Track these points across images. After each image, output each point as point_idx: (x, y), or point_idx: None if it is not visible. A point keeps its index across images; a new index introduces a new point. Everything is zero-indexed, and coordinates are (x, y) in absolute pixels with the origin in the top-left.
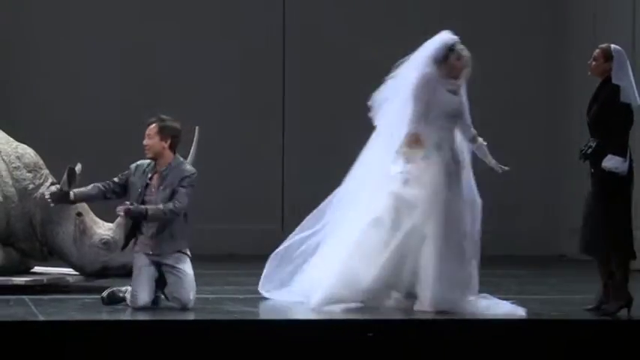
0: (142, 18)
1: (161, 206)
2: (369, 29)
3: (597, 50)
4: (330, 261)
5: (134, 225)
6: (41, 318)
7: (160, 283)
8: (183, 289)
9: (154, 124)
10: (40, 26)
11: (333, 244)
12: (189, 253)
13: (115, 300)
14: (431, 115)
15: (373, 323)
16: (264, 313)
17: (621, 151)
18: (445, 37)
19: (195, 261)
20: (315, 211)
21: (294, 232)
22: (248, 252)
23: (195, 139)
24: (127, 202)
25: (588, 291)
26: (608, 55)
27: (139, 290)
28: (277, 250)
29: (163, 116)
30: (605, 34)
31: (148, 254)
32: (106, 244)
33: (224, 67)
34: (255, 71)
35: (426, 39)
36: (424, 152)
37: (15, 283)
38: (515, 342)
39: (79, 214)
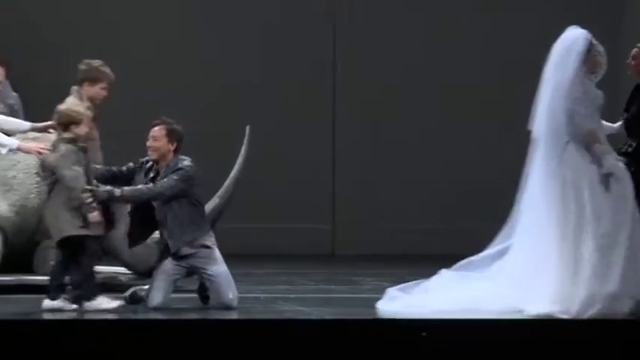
0: (187, 16)
1: (140, 186)
2: (416, 26)
3: (636, 49)
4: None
5: (140, 223)
6: (94, 316)
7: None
8: (220, 291)
9: (160, 127)
10: (89, 21)
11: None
12: (210, 244)
13: (137, 299)
14: (590, 112)
15: (427, 323)
16: (318, 312)
17: None
18: (580, 32)
19: (245, 260)
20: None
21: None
22: (297, 252)
23: (246, 138)
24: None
25: None
26: None
27: (153, 291)
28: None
29: (168, 119)
30: None
31: (174, 255)
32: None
33: (270, 65)
34: (304, 67)
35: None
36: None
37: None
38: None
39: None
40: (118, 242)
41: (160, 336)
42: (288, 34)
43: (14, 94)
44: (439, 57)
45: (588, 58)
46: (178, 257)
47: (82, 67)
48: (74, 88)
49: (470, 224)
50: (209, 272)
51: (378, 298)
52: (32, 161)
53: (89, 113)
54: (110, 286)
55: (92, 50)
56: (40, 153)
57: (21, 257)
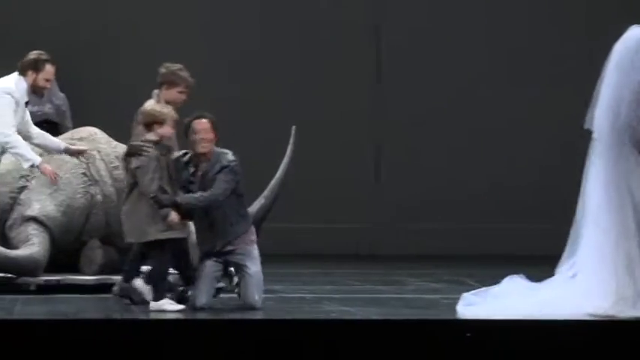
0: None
1: (197, 194)
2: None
3: None
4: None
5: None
6: (141, 317)
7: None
8: (249, 291)
9: (206, 119)
10: (133, 27)
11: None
12: (251, 240)
13: (126, 294)
14: None
15: (473, 323)
16: (361, 312)
17: None
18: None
19: (285, 261)
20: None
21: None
22: (340, 252)
23: (291, 138)
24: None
25: None
26: None
27: (197, 293)
28: None
29: (204, 112)
30: None
31: (213, 252)
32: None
33: (310, 62)
34: (346, 64)
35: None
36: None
37: (114, 281)
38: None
39: None
40: None
41: (208, 334)
42: (329, 33)
43: (61, 94)
44: (492, 58)
45: None
46: (219, 254)
47: (161, 70)
48: (155, 91)
49: (509, 225)
50: (245, 269)
51: (422, 298)
52: (78, 161)
53: (173, 114)
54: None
55: (139, 51)
56: (54, 179)
57: (67, 257)
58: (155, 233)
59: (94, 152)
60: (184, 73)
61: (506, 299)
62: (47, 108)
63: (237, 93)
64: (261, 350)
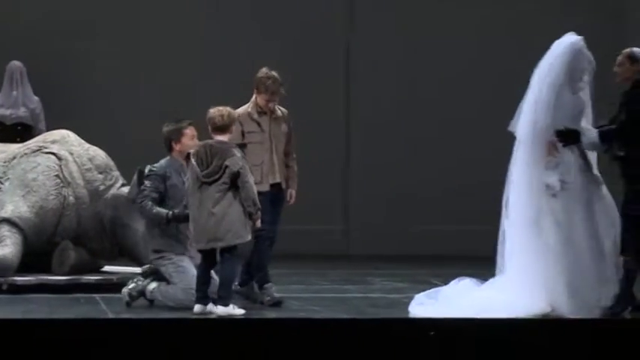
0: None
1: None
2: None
3: (620, 56)
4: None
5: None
6: (111, 316)
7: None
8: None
9: (192, 127)
10: (106, 27)
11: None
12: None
13: (135, 297)
14: (562, 119)
15: (435, 322)
16: (327, 311)
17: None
18: (572, 40)
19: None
20: None
21: None
22: (313, 252)
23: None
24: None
25: None
26: (632, 59)
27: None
28: None
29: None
30: None
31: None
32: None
33: (283, 64)
34: (318, 67)
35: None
36: (558, 157)
37: (85, 281)
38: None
39: None
40: (135, 242)
41: (174, 333)
42: (304, 23)
43: (36, 98)
44: (457, 57)
45: (573, 66)
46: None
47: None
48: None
49: (481, 226)
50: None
51: (386, 298)
52: (52, 163)
53: (236, 115)
54: (123, 286)
55: (110, 56)
56: None
57: (39, 257)
58: (247, 235)
59: (67, 154)
60: (267, 81)
61: (454, 299)
62: (21, 111)
63: (208, 100)
64: (228, 349)
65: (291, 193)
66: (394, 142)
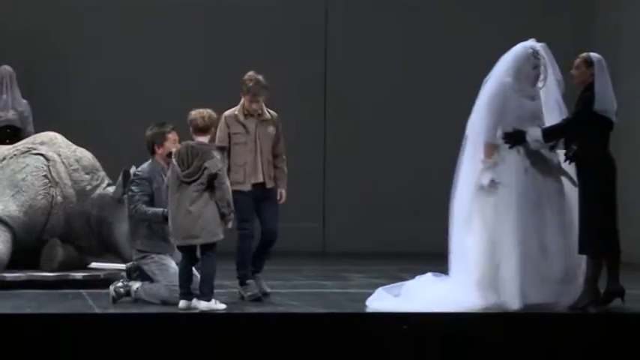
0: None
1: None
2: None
3: (577, 60)
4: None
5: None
6: (97, 311)
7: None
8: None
9: (175, 132)
10: (92, 33)
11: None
12: None
13: (122, 295)
14: (509, 121)
15: (408, 316)
16: (305, 306)
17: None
18: (524, 45)
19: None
20: None
21: None
22: (291, 249)
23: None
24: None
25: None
26: (588, 62)
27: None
28: None
29: None
30: (628, 47)
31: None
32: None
33: (262, 64)
34: (296, 68)
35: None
36: (497, 160)
37: (73, 278)
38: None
39: None
40: (120, 240)
41: (156, 327)
42: (283, 30)
43: (24, 101)
44: (430, 58)
45: (517, 69)
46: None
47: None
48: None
49: None
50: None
51: (363, 293)
52: (41, 164)
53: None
54: (112, 282)
55: (96, 62)
56: None
57: (29, 254)
58: (221, 233)
59: (55, 156)
60: (250, 82)
61: (413, 294)
62: (10, 114)
63: (190, 104)
64: (211, 342)
65: (282, 193)
66: (369, 143)
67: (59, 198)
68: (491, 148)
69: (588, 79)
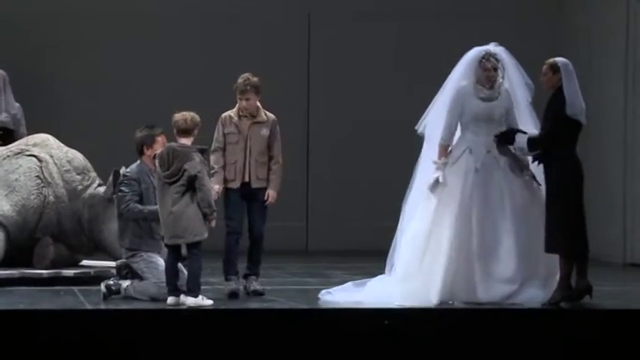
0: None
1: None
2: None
3: (545, 66)
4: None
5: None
6: (88, 307)
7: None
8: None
9: (164, 135)
10: (85, 30)
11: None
12: None
13: (113, 292)
14: (464, 122)
15: (390, 312)
16: (287, 303)
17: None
18: (476, 50)
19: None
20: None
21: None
22: (275, 247)
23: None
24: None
25: None
26: (554, 68)
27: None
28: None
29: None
30: (600, 52)
31: (159, 253)
32: None
33: (246, 64)
34: (280, 66)
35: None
36: (449, 160)
37: (64, 275)
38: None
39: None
40: (110, 239)
41: (142, 323)
42: (265, 31)
43: (17, 104)
44: (411, 64)
45: (474, 74)
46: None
47: None
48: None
49: None
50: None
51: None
52: (33, 165)
53: (199, 120)
54: (103, 279)
55: (86, 65)
56: None
57: (22, 252)
58: (205, 232)
59: (47, 157)
60: (239, 81)
61: (361, 289)
62: (3, 117)
63: (176, 107)
64: (197, 337)
65: (269, 193)
66: (352, 144)
67: (51, 198)
68: (443, 149)
69: (557, 83)
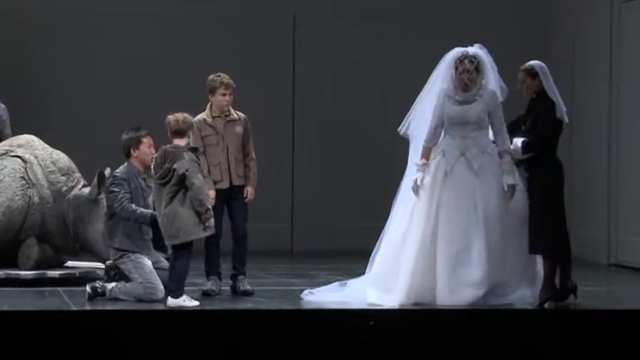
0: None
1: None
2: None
3: (520, 73)
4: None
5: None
6: (73, 308)
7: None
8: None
9: (149, 136)
10: (69, 31)
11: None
12: None
13: (98, 294)
14: (444, 125)
15: (375, 312)
16: (274, 303)
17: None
18: (454, 51)
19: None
20: None
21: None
22: (260, 248)
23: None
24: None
25: None
26: (532, 74)
27: (157, 284)
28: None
29: None
30: (585, 54)
31: (147, 254)
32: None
33: (230, 66)
34: (265, 69)
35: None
36: (428, 162)
37: (49, 276)
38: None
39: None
40: (95, 239)
41: (129, 323)
42: (249, 32)
43: (2, 105)
44: (397, 65)
45: (451, 77)
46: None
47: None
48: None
49: None
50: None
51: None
52: (18, 166)
53: (193, 120)
54: (88, 280)
55: (71, 68)
56: None
57: (6, 254)
58: (199, 232)
59: (32, 158)
60: (219, 77)
61: (343, 288)
62: None
63: (164, 108)
64: (179, 338)
65: (248, 190)
66: (338, 145)
67: (36, 199)
68: (426, 151)
69: (538, 88)
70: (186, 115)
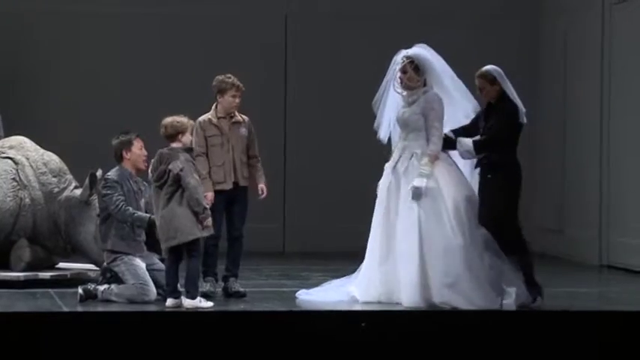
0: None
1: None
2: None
3: (478, 80)
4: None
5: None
6: (65, 309)
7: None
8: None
9: (139, 139)
10: (61, 32)
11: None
12: None
13: (91, 296)
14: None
15: (366, 314)
16: (266, 305)
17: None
18: (399, 53)
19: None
20: None
21: None
22: (252, 249)
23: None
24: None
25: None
26: (490, 79)
27: (150, 285)
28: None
29: None
30: (576, 53)
31: (140, 256)
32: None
33: (221, 65)
34: (256, 68)
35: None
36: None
37: (41, 277)
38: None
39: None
40: (87, 241)
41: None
42: (242, 31)
43: None
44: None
45: (393, 68)
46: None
47: (213, 83)
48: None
49: None
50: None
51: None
52: (9, 167)
53: (192, 123)
54: (79, 282)
55: (64, 72)
56: None
57: None
58: (198, 232)
59: (23, 159)
60: (229, 79)
61: (336, 289)
62: None
63: (156, 111)
64: (174, 341)
65: (262, 188)
66: (329, 146)
67: (27, 200)
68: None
69: (498, 93)
70: (179, 118)
